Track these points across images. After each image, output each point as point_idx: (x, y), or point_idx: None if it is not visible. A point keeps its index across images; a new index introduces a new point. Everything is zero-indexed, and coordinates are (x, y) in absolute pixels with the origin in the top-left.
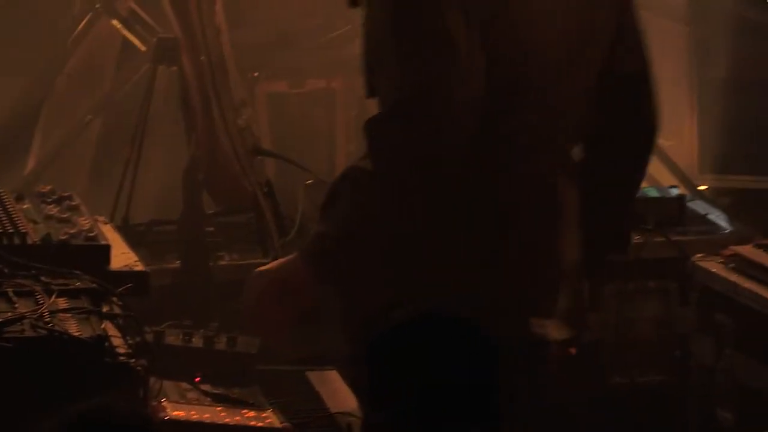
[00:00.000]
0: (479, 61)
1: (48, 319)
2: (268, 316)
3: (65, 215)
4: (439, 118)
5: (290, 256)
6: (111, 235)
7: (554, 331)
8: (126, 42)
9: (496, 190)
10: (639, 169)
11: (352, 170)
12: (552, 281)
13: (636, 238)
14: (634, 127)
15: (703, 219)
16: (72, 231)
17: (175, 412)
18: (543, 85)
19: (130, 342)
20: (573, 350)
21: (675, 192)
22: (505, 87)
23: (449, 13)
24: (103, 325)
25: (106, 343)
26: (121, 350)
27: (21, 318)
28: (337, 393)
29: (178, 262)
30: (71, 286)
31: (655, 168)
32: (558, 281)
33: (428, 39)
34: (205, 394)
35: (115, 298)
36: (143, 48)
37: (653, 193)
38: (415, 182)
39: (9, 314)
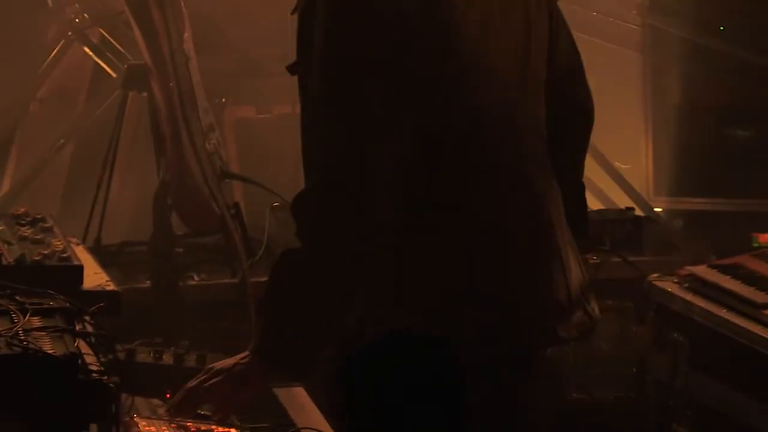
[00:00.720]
0: (401, 137)
1: (23, 337)
2: (223, 407)
3: (39, 236)
4: (355, 193)
5: (243, 355)
6: (84, 256)
7: (582, 325)
8: (97, 68)
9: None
10: (583, 151)
11: (286, 254)
12: (567, 282)
13: (593, 259)
14: (575, 111)
15: (658, 240)
16: (46, 252)
17: (147, 428)
18: (506, 101)
19: (102, 359)
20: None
21: (631, 214)
22: (469, 113)
23: (373, 97)
24: (76, 343)
25: (79, 361)
26: (94, 367)
27: None
28: (304, 409)
29: (149, 282)
30: (45, 306)
31: (612, 190)
32: (571, 280)
33: (352, 121)
34: None
35: (87, 317)
36: (114, 74)
37: (610, 215)
38: (342, 254)
39: None
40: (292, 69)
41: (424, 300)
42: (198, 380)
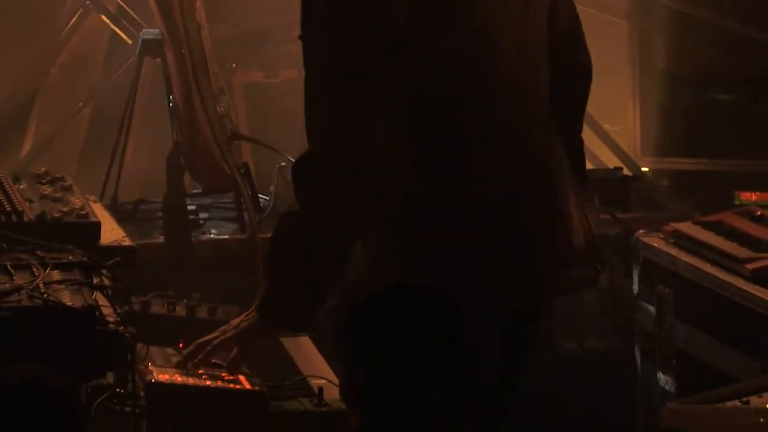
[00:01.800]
0: (398, 107)
1: (43, 290)
2: (232, 361)
3: (59, 195)
4: (351, 158)
5: (248, 312)
6: (101, 213)
7: (589, 277)
8: (114, 36)
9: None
10: (583, 109)
11: (285, 216)
12: (569, 234)
13: None
14: (575, 71)
15: (645, 198)
16: (65, 209)
17: (161, 376)
18: (508, 70)
19: (118, 311)
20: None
21: (619, 173)
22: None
23: (370, 68)
24: (93, 296)
25: (97, 312)
26: (111, 319)
27: (18, 289)
28: (310, 357)
29: (163, 237)
30: (64, 260)
31: (601, 151)
32: (574, 233)
33: (350, 89)
34: None
35: (104, 271)
36: (130, 41)
37: (600, 174)
38: (337, 215)
39: (7, 285)
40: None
41: (429, 254)
42: (209, 337)
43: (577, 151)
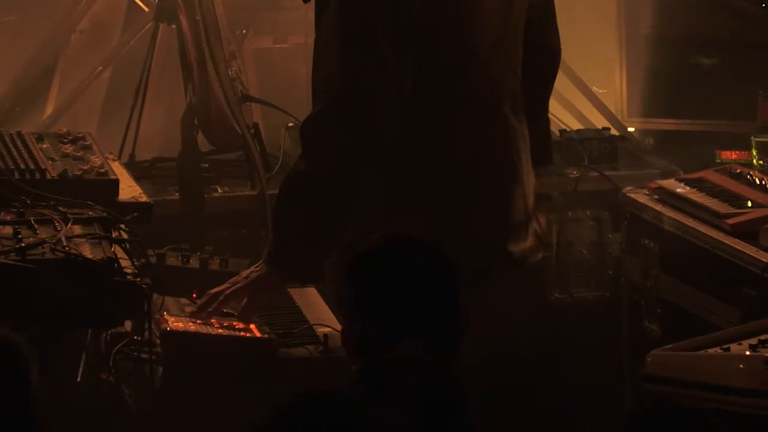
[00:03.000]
0: (403, 72)
1: (65, 243)
2: (243, 310)
3: (79, 154)
4: (365, 116)
5: (257, 264)
6: (119, 171)
7: (528, 248)
8: (132, 3)
9: (470, 138)
10: (550, 90)
11: (291, 173)
12: (527, 212)
13: (574, 173)
14: (544, 52)
15: (631, 157)
16: (85, 167)
17: (176, 324)
18: (485, 44)
19: (135, 263)
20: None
21: (607, 133)
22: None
23: (382, 35)
24: (112, 249)
25: (115, 264)
26: (128, 270)
27: (42, 242)
28: (316, 307)
29: (177, 194)
30: (85, 215)
31: (590, 112)
32: (530, 211)
33: (363, 53)
34: None
35: (122, 226)
36: (146, 9)
37: (589, 134)
38: (340, 172)
39: (31, 239)
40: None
41: (411, 210)
42: (220, 288)
43: (544, 130)
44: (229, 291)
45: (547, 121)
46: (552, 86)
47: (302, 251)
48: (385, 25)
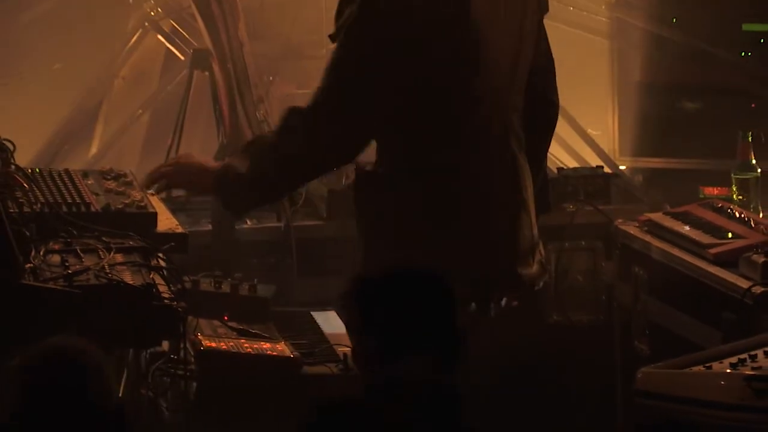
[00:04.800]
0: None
1: (108, 270)
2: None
3: (121, 189)
4: (337, 126)
5: (207, 168)
6: (157, 205)
7: (535, 274)
8: (169, 52)
9: (477, 172)
10: (549, 140)
11: (262, 138)
12: (533, 240)
13: (570, 207)
14: (545, 105)
15: (622, 192)
16: (126, 201)
17: (209, 344)
18: (497, 85)
19: (172, 289)
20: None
21: (601, 171)
22: (467, 95)
23: (380, 71)
24: (151, 275)
25: (154, 290)
26: (166, 295)
27: (87, 269)
28: (336, 329)
29: (210, 225)
30: (126, 245)
31: (585, 152)
32: (536, 240)
33: (357, 83)
34: (232, 329)
35: (160, 254)
36: (182, 57)
37: (584, 171)
38: (305, 162)
39: (77, 267)
40: (333, 37)
41: (423, 245)
42: (169, 165)
43: (542, 181)
44: (173, 176)
45: (546, 173)
46: (551, 139)
47: (244, 194)
48: (384, 55)
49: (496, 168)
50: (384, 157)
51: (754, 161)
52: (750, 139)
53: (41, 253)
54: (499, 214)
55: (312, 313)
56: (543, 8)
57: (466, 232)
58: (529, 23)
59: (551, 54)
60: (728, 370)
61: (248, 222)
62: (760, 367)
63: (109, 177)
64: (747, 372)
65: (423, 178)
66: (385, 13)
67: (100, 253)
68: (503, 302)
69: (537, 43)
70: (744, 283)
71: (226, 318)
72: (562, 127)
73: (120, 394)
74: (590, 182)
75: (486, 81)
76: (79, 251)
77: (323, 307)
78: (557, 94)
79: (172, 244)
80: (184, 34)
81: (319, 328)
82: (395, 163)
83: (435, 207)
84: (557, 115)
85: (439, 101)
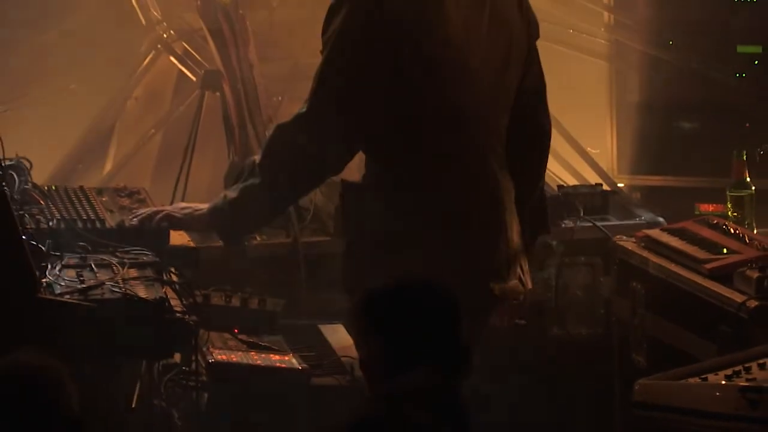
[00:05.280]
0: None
1: (122, 285)
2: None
3: (135, 206)
4: (322, 140)
5: (197, 209)
6: None
7: (510, 287)
8: (181, 74)
9: (458, 188)
10: (544, 163)
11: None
12: (508, 255)
13: (570, 224)
14: (537, 130)
15: (621, 209)
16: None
17: (220, 356)
18: (478, 105)
19: (184, 302)
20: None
21: (600, 188)
22: (451, 112)
23: (363, 83)
24: (164, 290)
25: (166, 303)
26: (178, 309)
27: (101, 284)
28: (343, 341)
29: (221, 241)
30: (139, 260)
31: (584, 170)
32: (512, 255)
33: (341, 94)
34: (242, 342)
35: (172, 269)
36: (194, 78)
37: (583, 189)
38: (292, 177)
39: (92, 281)
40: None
41: (402, 258)
42: (161, 208)
43: (539, 201)
44: (167, 215)
45: (543, 193)
46: (545, 161)
47: (237, 221)
48: (367, 68)
49: (474, 184)
50: (368, 170)
51: (748, 179)
52: (744, 157)
53: (57, 267)
54: (476, 230)
55: (319, 326)
56: (534, 34)
57: (440, 245)
58: (517, 49)
59: (543, 78)
60: (723, 382)
61: (258, 238)
62: (754, 379)
63: (122, 194)
64: (742, 383)
65: (402, 192)
66: (367, 29)
67: (114, 267)
68: (484, 315)
69: (527, 67)
70: (739, 298)
71: (236, 331)
72: (562, 146)
73: (133, 405)
74: (589, 199)
75: (466, 100)
76: (93, 266)
77: (330, 320)
78: (549, 117)
79: (184, 259)
80: (196, 55)
81: (327, 340)
82: (377, 176)
83: (413, 220)
84: (548, 137)
85: (418, 117)
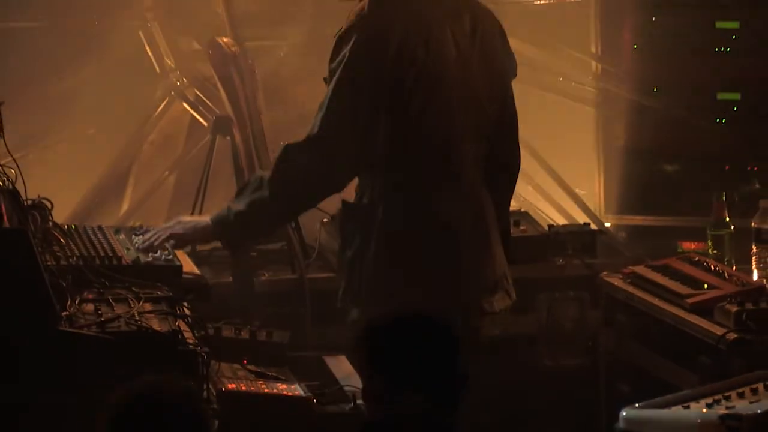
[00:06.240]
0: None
1: (138, 318)
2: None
3: (139, 231)
4: (329, 160)
5: (200, 222)
6: (183, 258)
7: (500, 302)
8: (193, 119)
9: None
10: (510, 195)
11: (258, 177)
12: (495, 269)
13: (560, 261)
14: (507, 162)
15: (608, 247)
16: (155, 255)
17: (230, 385)
18: (470, 129)
19: (196, 335)
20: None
21: (587, 227)
22: (435, 142)
23: (369, 107)
24: (177, 323)
25: (179, 336)
26: (190, 341)
27: (118, 317)
28: (345, 371)
29: (231, 277)
30: (154, 295)
31: (573, 210)
32: (499, 269)
33: (348, 116)
34: (251, 372)
35: (185, 303)
36: (205, 124)
37: (572, 228)
38: (299, 193)
39: (109, 314)
40: (326, 80)
41: (397, 277)
42: (165, 226)
43: (505, 233)
44: (172, 232)
45: (509, 229)
46: (511, 193)
47: (241, 230)
48: (373, 94)
49: (466, 202)
50: (366, 188)
51: (727, 219)
52: (724, 198)
53: (76, 302)
54: (469, 245)
55: (324, 357)
56: (513, 72)
57: (435, 264)
58: (498, 83)
59: (516, 113)
60: (705, 410)
61: (265, 274)
62: (733, 407)
63: (139, 232)
64: (722, 411)
65: (401, 208)
66: (374, 58)
67: (131, 302)
68: (475, 330)
69: (505, 100)
70: (718, 330)
71: (245, 362)
72: (551, 187)
73: None
74: (578, 238)
75: (460, 126)
76: (111, 300)
77: (334, 351)
78: (518, 150)
79: (196, 294)
80: (208, 102)
81: (330, 370)
82: (376, 194)
83: (407, 240)
84: (518, 167)
85: (417, 139)
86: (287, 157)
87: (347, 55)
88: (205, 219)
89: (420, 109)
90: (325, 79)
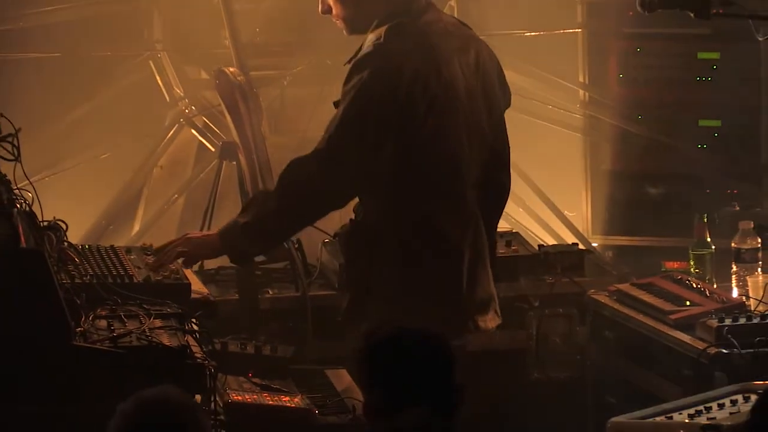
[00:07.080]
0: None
1: (148, 333)
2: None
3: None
4: (332, 175)
5: (208, 236)
6: (191, 277)
7: (491, 321)
8: (201, 145)
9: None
10: (499, 215)
11: (263, 193)
12: (488, 287)
13: (550, 280)
14: (498, 186)
15: (595, 266)
16: (164, 274)
17: (236, 397)
18: (473, 156)
19: (204, 349)
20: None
21: (575, 248)
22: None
23: (377, 129)
24: (185, 338)
25: (188, 350)
26: (198, 355)
27: (129, 333)
28: (346, 385)
29: (237, 295)
30: (164, 311)
31: (562, 231)
32: (490, 290)
33: (356, 135)
34: (256, 385)
35: (193, 320)
36: (212, 149)
37: (561, 248)
38: (304, 207)
39: (121, 330)
40: (337, 104)
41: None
42: (174, 243)
43: (492, 250)
44: (181, 249)
45: (495, 246)
46: (500, 215)
47: (248, 243)
48: (384, 116)
49: (465, 222)
50: (367, 208)
51: (709, 239)
52: (705, 220)
53: (90, 318)
54: (467, 264)
55: (325, 370)
56: (507, 102)
57: (439, 282)
58: (495, 113)
59: (507, 141)
60: (687, 420)
61: (270, 292)
62: (714, 418)
63: (149, 252)
64: (703, 422)
65: (398, 230)
66: (387, 88)
67: (142, 318)
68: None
69: (499, 129)
70: (700, 345)
71: (250, 375)
72: (542, 210)
73: None
74: (567, 258)
75: (463, 154)
76: (123, 317)
77: (335, 365)
78: (510, 179)
79: (204, 310)
80: (215, 128)
81: (332, 383)
82: (380, 214)
83: (408, 257)
84: (507, 192)
85: (423, 165)
86: (292, 170)
87: (363, 78)
88: (213, 234)
89: (431, 133)
90: (335, 103)
